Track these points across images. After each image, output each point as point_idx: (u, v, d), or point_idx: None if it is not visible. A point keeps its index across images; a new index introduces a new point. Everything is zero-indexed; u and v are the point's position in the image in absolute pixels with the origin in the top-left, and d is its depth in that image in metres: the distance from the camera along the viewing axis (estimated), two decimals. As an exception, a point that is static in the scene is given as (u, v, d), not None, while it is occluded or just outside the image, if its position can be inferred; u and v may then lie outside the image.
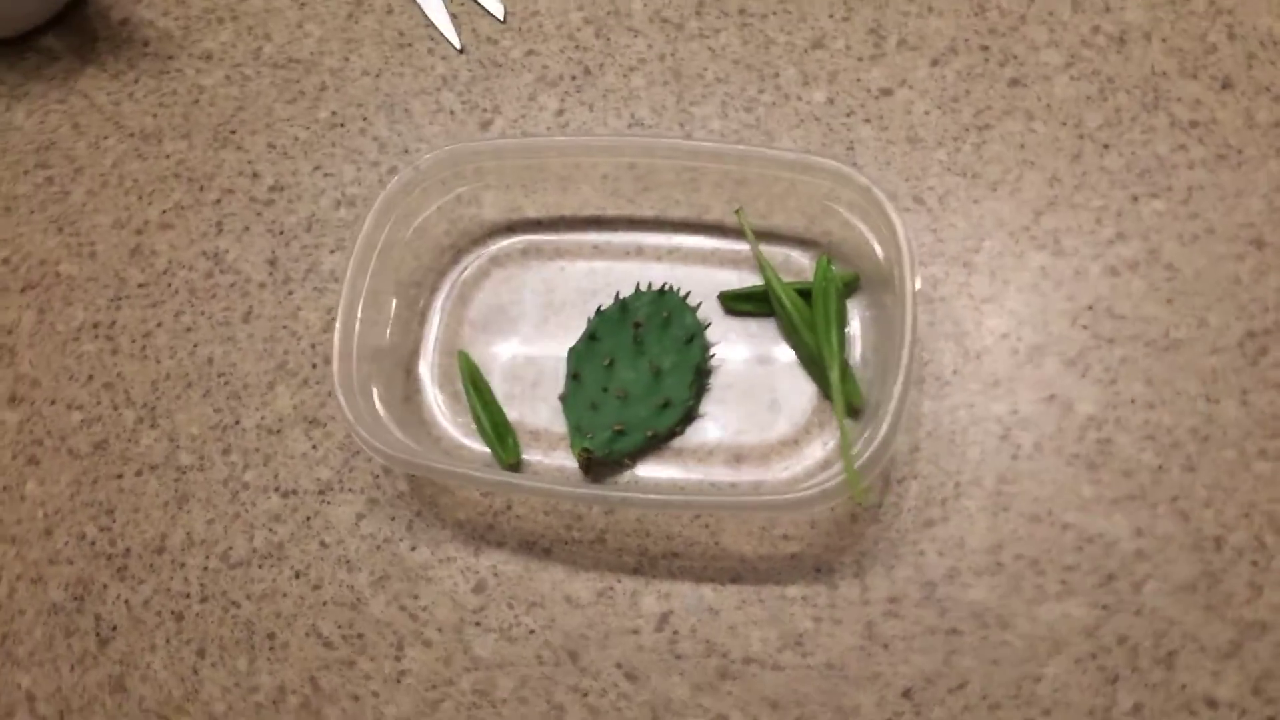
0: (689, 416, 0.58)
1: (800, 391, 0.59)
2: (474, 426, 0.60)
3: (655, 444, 0.58)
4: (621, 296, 0.60)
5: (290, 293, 0.64)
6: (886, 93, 0.65)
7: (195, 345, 0.64)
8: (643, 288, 0.60)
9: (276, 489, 0.60)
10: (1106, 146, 0.62)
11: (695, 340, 0.59)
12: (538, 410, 0.60)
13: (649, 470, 0.58)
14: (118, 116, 0.70)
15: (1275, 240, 0.59)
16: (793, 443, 0.58)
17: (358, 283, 0.57)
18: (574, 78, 0.69)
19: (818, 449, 0.57)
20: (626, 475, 0.58)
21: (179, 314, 0.64)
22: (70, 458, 0.62)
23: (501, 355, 0.62)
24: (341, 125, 0.68)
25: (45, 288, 0.66)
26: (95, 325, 0.65)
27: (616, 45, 0.69)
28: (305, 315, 0.64)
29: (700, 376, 0.59)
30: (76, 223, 0.68)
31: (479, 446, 0.60)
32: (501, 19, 0.71)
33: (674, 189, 0.63)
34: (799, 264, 0.61)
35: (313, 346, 0.63)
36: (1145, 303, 0.58)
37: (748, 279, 0.61)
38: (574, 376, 0.59)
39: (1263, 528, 0.53)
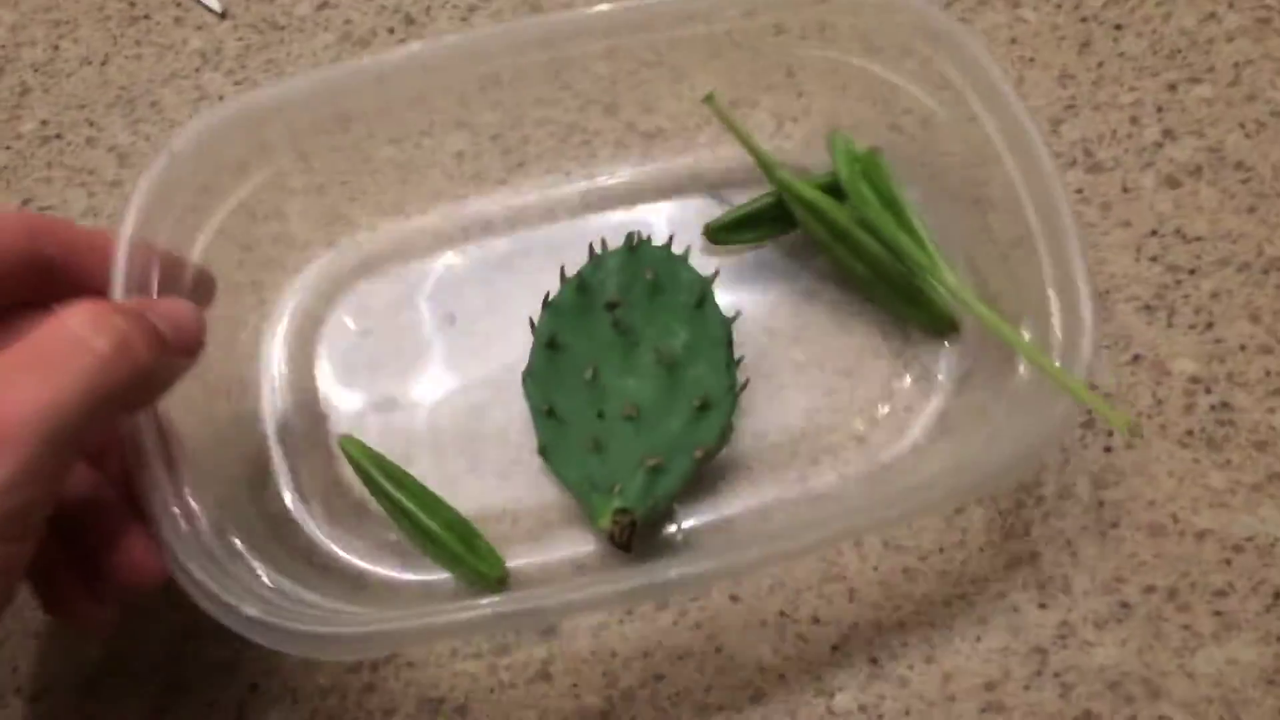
0: (731, 417, 0.38)
1: (866, 327, 0.40)
2: (398, 546, 0.37)
3: (705, 466, 0.37)
4: (571, 274, 0.39)
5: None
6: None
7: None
8: (598, 252, 0.40)
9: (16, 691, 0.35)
10: (1119, 27, 0.47)
11: (708, 300, 0.39)
12: (504, 483, 0.38)
13: (706, 515, 0.38)
14: None
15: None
16: (886, 398, 0.39)
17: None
18: (391, 30, 0.47)
19: (927, 397, 0.39)
20: (673, 531, 0.37)
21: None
22: None
23: (406, 421, 0.39)
24: (58, 137, 0.48)
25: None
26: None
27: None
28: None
29: (729, 348, 0.38)
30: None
31: (416, 574, 0.37)
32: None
33: (584, 107, 0.43)
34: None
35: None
36: (1222, 215, 0.43)
37: (725, 204, 0.42)
38: (547, 413, 0.38)
39: None
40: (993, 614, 0.36)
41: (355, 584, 0.37)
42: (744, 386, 0.38)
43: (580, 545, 0.38)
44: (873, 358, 0.40)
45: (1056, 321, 0.34)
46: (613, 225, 0.41)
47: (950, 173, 0.40)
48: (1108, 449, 0.38)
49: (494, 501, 0.38)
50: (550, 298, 0.39)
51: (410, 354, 0.41)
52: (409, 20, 0.48)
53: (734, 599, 0.37)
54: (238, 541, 0.33)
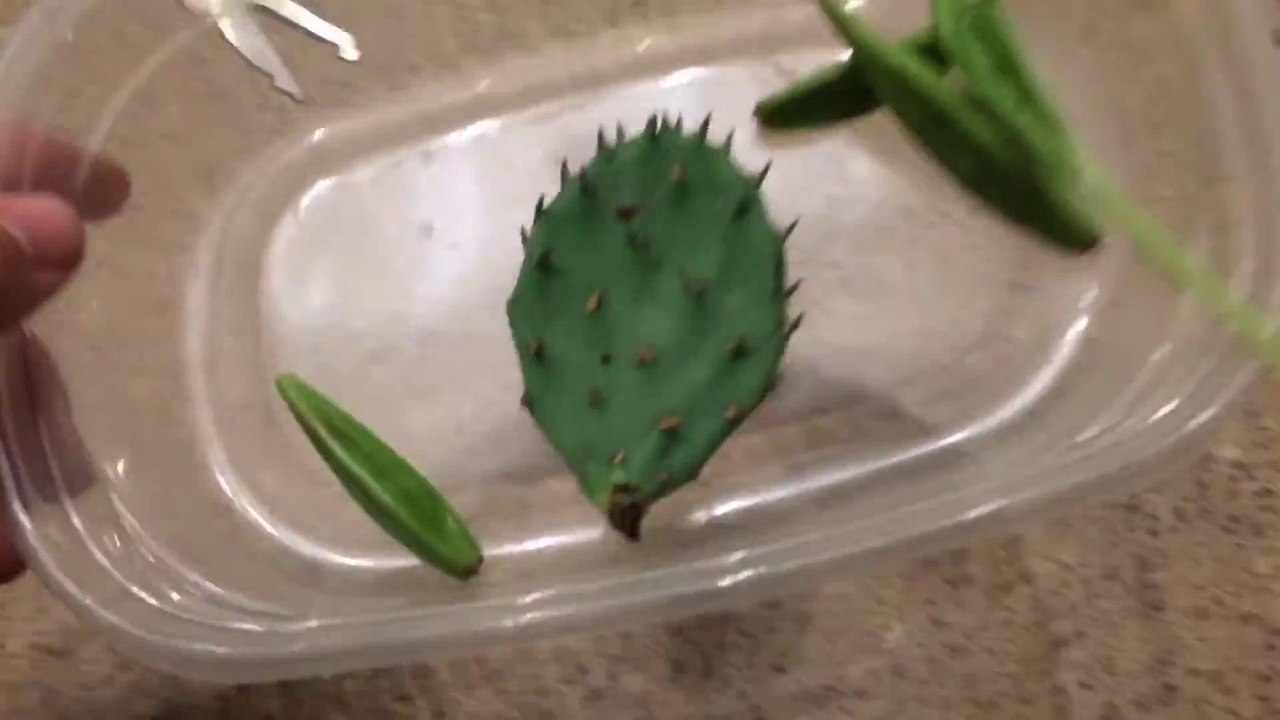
0: (778, 365, 0.29)
1: (971, 243, 0.30)
2: (355, 521, 0.29)
3: (737, 431, 0.28)
4: (575, 172, 0.30)
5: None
6: None
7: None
8: (610, 142, 0.30)
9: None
10: None
11: (753, 207, 0.29)
12: (486, 441, 0.30)
13: (746, 496, 0.29)
14: None
15: None
16: (996, 340, 0.29)
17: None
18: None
19: (1052, 339, 0.29)
20: (701, 517, 0.29)
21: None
22: None
23: (366, 360, 0.31)
24: None
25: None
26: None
27: None
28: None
29: (779, 272, 0.29)
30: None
31: (379, 558, 0.29)
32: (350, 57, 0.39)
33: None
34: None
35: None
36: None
37: (784, 76, 0.32)
38: (535, 353, 0.29)
39: None
40: (1038, 694, 0.32)
41: (299, 573, 0.29)
42: (796, 325, 0.28)
43: (581, 527, 0.29)
44: (980, 285, 0.30)
45: (1248, 244, 0.23)
46: (631, 105, 0.32)
47: (1099, 28, 0.29)
48: (1153, 532, 0.33)
49: (472, 464, 0.30)
50: (546, 204, 0.30)
51: (374, 273, 0.32)
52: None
53: (778, 669, 0.28)
54: (134, 522, 0.26)
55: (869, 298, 0.30)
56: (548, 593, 0.24)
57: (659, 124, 0.30)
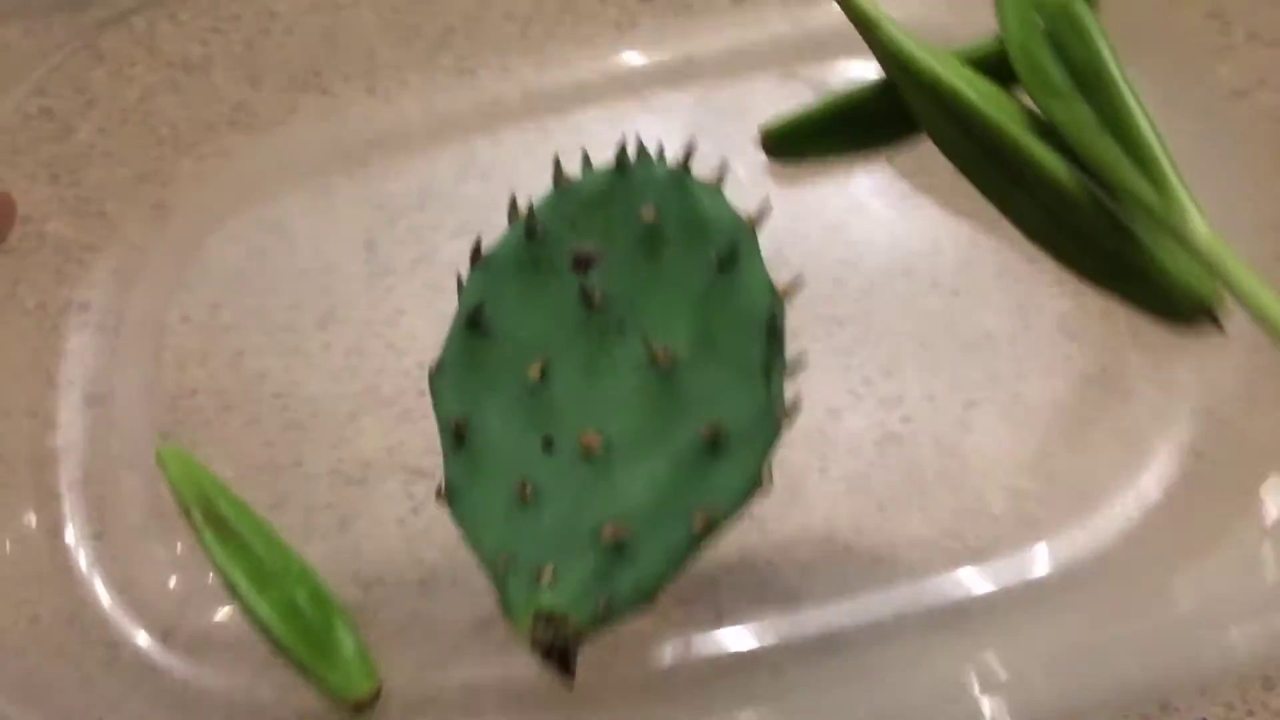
0: (767, 461, 0.22)
1: (1039, 310, 0.23)
2: (235, 619, 0.23)
3: (708, 546, 0.22)
4: (525, 205, 0.24)
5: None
6: None
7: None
8: (571, 173, 0.24)
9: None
10: None
11: (742, 256, 0.23)
12: (402, 533, 0.24)
13: (724, 632, 0.22)
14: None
15: None
16: (1072, 439, 0.22)
17: None
18: None
19: (1150, 440, 0.22)
20: (661, 656, 0.22)
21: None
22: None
23: (267, 424, 0.26)
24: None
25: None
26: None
27: None
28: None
29: (775, 340, 0.22)
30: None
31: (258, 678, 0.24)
32: None
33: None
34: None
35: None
36: None
37: (788, 98, 0.25)
38: (457, 433, 0.23)
39: None
40: None
41: (164, 697, 0.24)
42: (794, 410, 0.22)
43: (511, 656, 0.23)
44: (1050, 365, 0.23)
45: None
46: (601, 127, 0.26)
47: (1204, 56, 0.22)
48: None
49: (386, 565, 0.24)
50: (486, 248, 0.24)
51: (284, 322, 0.27)
52: None
53: None
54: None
55: (893, 379, 0.23)
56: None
57: (631, 151, 0.24)
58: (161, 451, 0.25)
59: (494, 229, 0.23)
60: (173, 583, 0.24)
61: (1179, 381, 0.22)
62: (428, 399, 0.23)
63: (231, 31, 0.30)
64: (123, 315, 0.27)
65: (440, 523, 0.23)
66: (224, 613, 0.24)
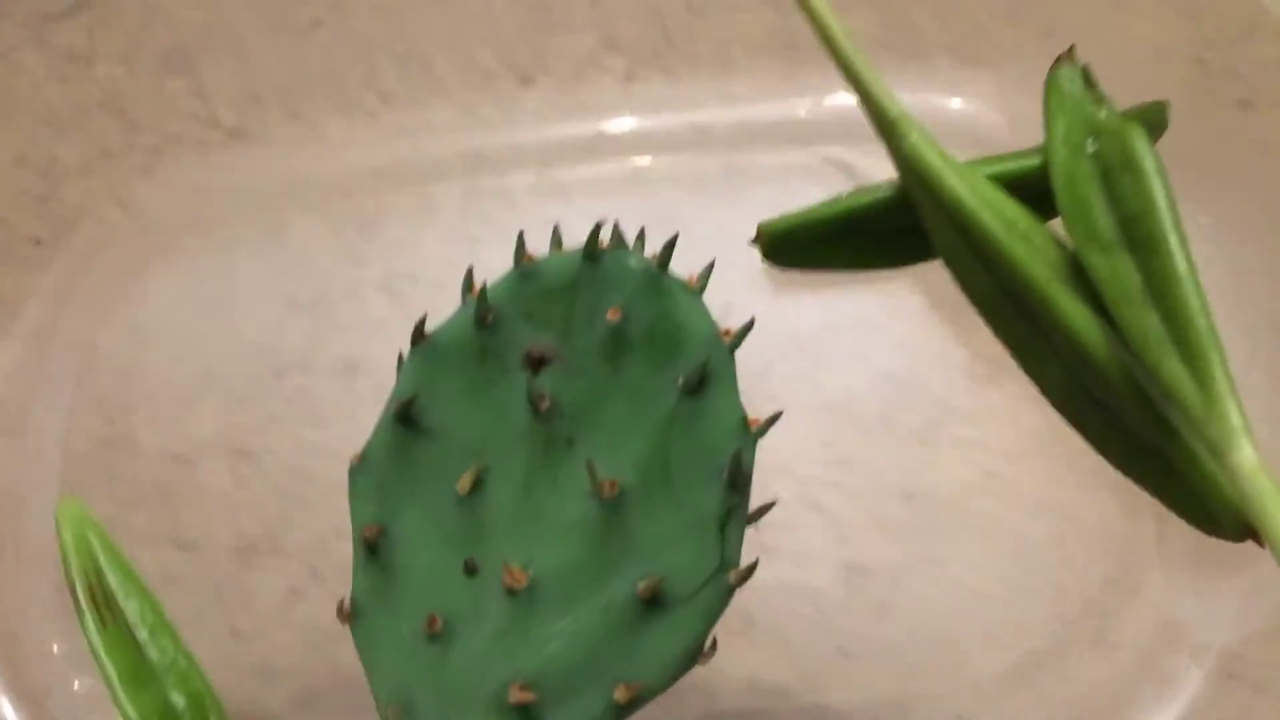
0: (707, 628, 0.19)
1: (1060, 494, 0.20)
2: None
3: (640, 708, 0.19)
4: (476, 289, 0.21)
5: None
6: None
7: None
8: (535, 252, 0.21)
9: None
10: None
11: (715, 382, 0.19)
12: (305, 641, 0.22)
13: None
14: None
15: None
16: (1090, 656, 0.19)
17: None
18: None
19: (1183, 663, 0.18)
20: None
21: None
22: None
23: (178, 499, 0.23)
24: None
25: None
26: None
27: None
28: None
29: (738, 485, 0.19)
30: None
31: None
32: None
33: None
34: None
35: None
36: None
37: (800, 194, 0.22)
38: (370, 543, 0.20)
39: None
40: None
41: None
42: (749, 574, 0.19)
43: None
44: (1059, 568, 0.20)
45: None
46: (584, 197, 0.23)
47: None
48: None
49: (286, 678, 0.22)
50: (431, 335, 0.21)
51: (200, 394, 0.24)
52: None
53: None
54: None
55: (879, 553, 0.20)
56: None
57: (604, 237, 0.20)
58: (60, 507, 0.22)
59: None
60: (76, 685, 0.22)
61: (1209, 601, 0.19)
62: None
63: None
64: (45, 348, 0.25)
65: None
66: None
